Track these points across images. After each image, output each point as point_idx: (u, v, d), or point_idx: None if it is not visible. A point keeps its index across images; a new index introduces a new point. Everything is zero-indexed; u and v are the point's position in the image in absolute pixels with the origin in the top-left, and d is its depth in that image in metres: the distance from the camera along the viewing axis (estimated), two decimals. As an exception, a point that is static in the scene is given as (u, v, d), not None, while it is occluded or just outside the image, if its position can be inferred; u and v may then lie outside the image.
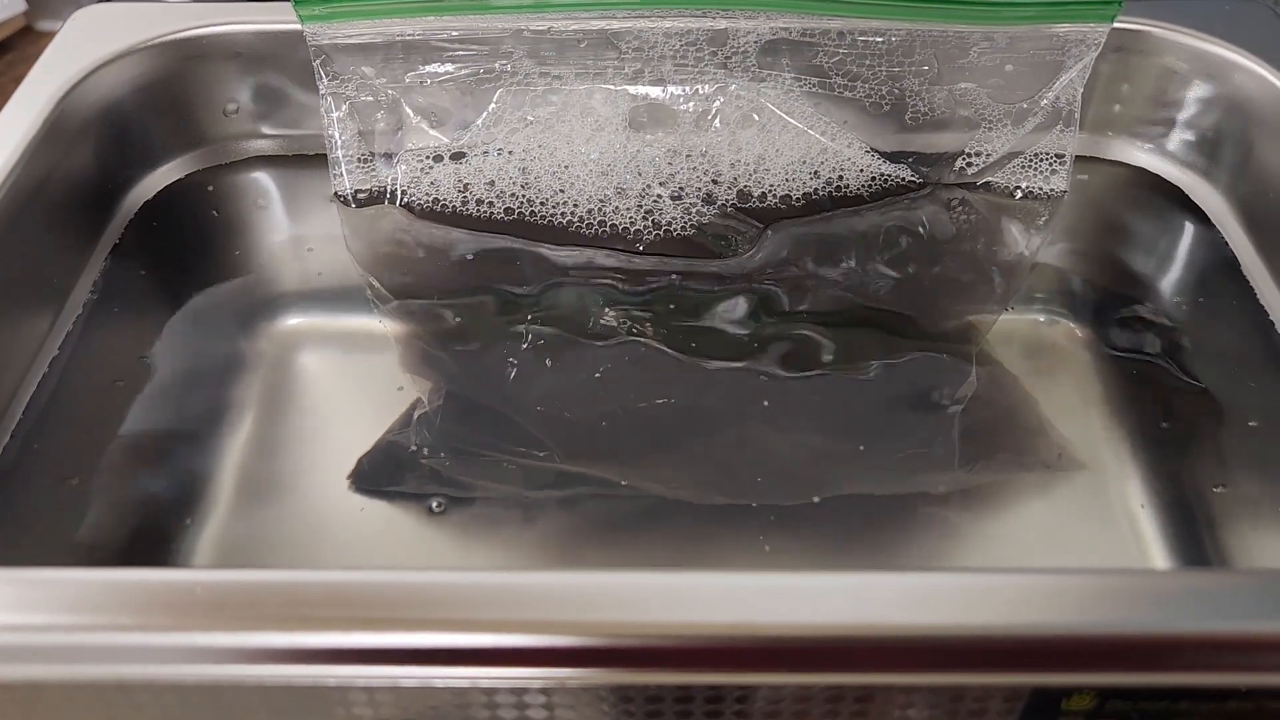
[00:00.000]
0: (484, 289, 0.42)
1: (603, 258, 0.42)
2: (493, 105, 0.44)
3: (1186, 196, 0.45)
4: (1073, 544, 0.34)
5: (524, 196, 0.44)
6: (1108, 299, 0.42)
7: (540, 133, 0.44)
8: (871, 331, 0.40)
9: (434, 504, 0.35)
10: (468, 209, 0.44)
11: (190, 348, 0.40)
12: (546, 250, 0.43)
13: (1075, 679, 0.25)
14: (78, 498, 0.35)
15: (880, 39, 0.42)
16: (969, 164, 0.45)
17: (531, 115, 0.44)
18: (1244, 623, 0.25)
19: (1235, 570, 0.33)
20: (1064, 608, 0.25)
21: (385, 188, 0.44)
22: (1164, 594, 0.25)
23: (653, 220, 0.43)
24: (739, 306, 0.41)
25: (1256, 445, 0.36)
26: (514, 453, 0.36)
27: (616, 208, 0.43)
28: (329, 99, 0.43)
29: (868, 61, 0.43)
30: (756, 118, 0.44)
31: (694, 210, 0.43)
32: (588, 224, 0.43)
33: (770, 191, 0.44)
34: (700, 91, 0.44)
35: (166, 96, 0.45)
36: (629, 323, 0.40)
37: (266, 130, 0.47)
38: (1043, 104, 0.43)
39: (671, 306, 0.41)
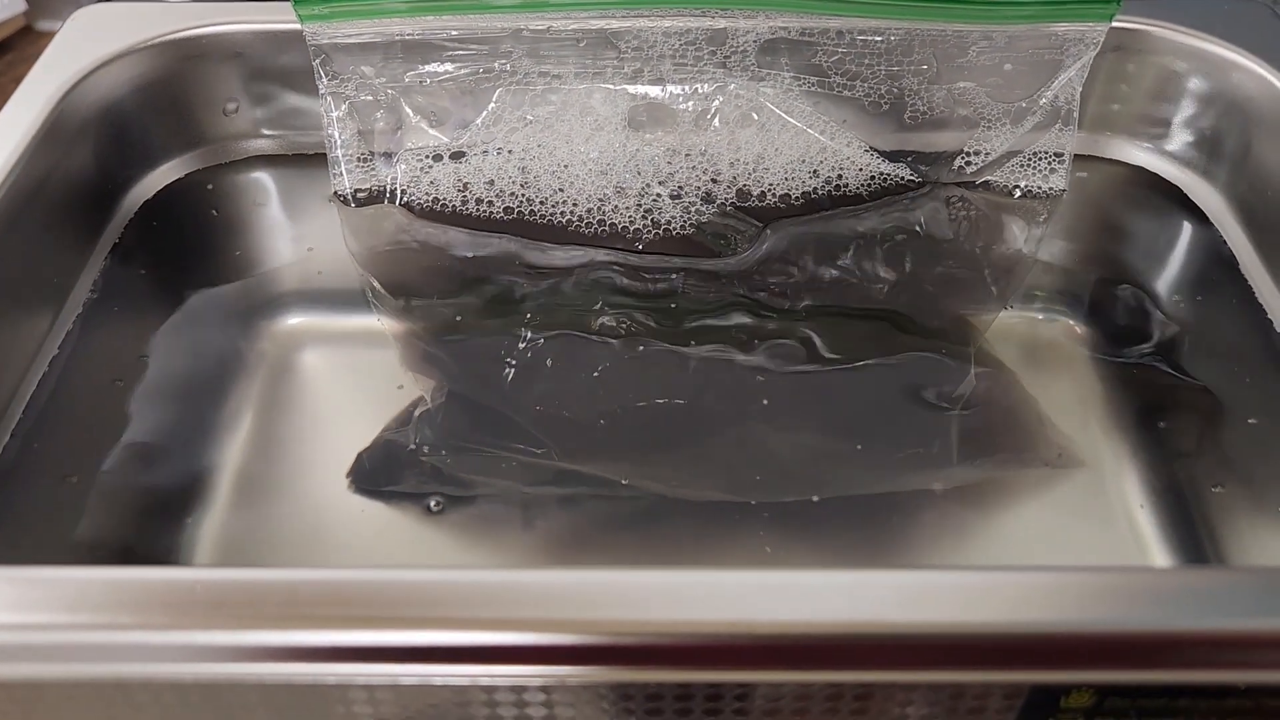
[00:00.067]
0: (483, 288, 0.42)
1: (602, 257, 0.42)
2: (492, 104, 0.44)
3: (1185, 195, 0.45)
4: (1072, 542, 0.34)
5: (523, 196, 0.44)
6: (1107, 297, 0.42)
7: (539, 132, 0.44)
8: (870, 330, 0.40)
9: (432, 503, 0.35)
10: (467, 208, 0.44)
11: (190, 347, 0.40)
12: (546, 249, 0.43)
13: (1074, 676, 0.25)
14: (78, 496, 0.35)
15: (879, 38, 0.42)
16: (968, 163, 0.45)
17: (531, 114, 0.44)
18: (1242, 620, 0.25)
19: (1234, 568, 0.33)
20: (1063, 605, 0.25)
21: (385, 187, 0.44)
22: (1163, 592, 0.25)
23: (652, 219, 0.43)
24: (738, 305, 0.41)
25: (1255, 443, 0.36)
26: (514, 451, 0.36)
27: (616, 207, 0.43)
28: (329, 98, 0.43)
29: (867, 61, 0.43)
30: (756, 117, 0.44)
31: (693, 209, 0.43)
32: (587, 223, 0.43)
33: (769, 190, 0.44)
34: (699, 91, 0.44)
35: (166, 96, 0.45)
36: (628, 322, 0.40)
37: (266, 130, 0.47)
38: (1041, 103, 0.43)
39: (671, 305, 0.41)
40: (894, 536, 0.34)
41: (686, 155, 0.44)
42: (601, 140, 0.44)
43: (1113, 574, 0.26)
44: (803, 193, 0.44)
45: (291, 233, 0.45)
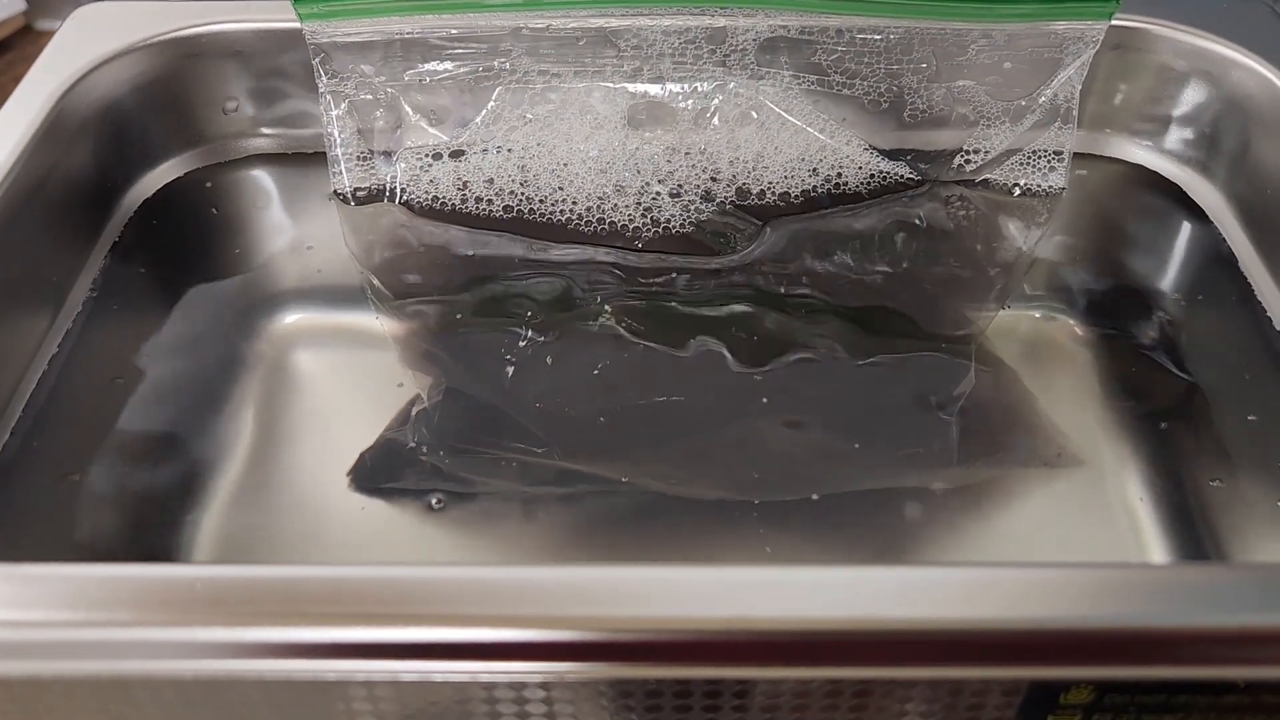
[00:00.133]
0: (483, 286, 0.42)
1: (602, 255, 0.42)
2: (491, 103, 0.44)
3: (1184, 193, 0.45)
4: (1071, 538, 0.34)
5: (523, 194, 0.44)
6: (1106, 295, 0.42)
7: (539, 130, 0.44)
8: (870, 328, 0.40)
9: (434, 500, 0.35)
10: (467, 207, 0.44)
11: (190, 345, 0.40)
12: (546, 248, 0.43)
13: (1073, 673, 0.25)
14: (77, 494, 0.35)
15: (879, 36, 0.42)
16: (967, 161, 0.45)
17: (530, 113, 0.44)
18: (1242, 616, 0.25)
19: (1233, 564, 0.33)
20: (1062, 602, 0.25)
21: (384, 185, 0.44)
22: (1162, 588, 0.25)
23: (651, 218, 0.43)
24: (738, 304, 0.41)
25: (1254, 440, 0.36)
26: (513, 449, 0.36)
27: (615, 205, 0.43)
28: (328, 97, 0.43)
29: (866, 59, 0.43)
30: (755, 115, 0.44)
31: (693, 208, 0.43)
32: (586, 221, 0.43)
33: (769, 189, 0.44)
34: (699, 89, 0.44)
35: (166, 95, 0.45)
36: (627, 320, 0.40)
37: (266, 128, 0.47)
38: (1041, 101, 0.43)
39: (671, 304, 0.41)
40: (893, 534, 0.34)
41: (686, 154, 0.44)
42: (601, 139, 0.44)
43: (1112, 570, 0.26)
44: (802, 191, 0.44)
45: (291, 231, 0.45)
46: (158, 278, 0.43)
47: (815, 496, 0.35)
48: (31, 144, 0.39)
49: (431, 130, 0.44)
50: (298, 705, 0.26)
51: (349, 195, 0.44)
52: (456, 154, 0.44)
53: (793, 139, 0.44)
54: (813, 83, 0.44)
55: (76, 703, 0.27)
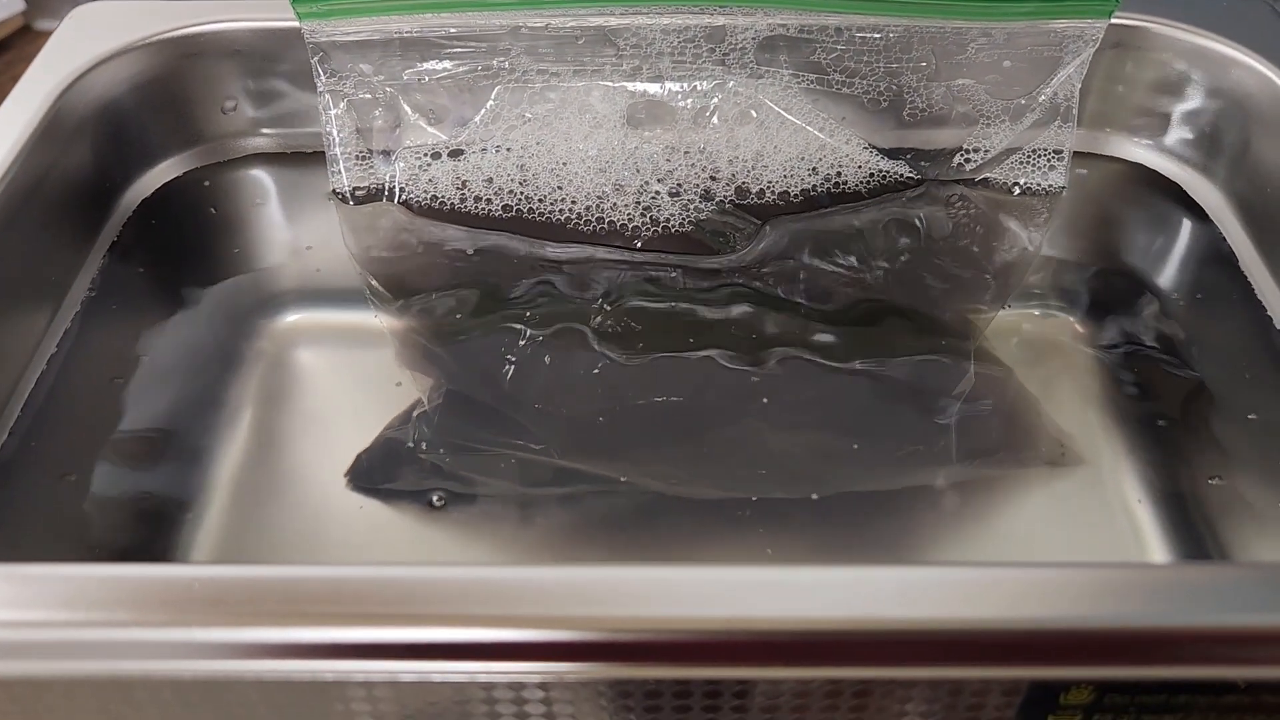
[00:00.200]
0: (482, 286, 0.42)
1: (601, 254, 0.42)
2: (491, 102, 0.44)
3: (1184, 192, 0.45)
4: (1071, 538, 0.34)
5: (522, 194, 0.44)
6: (1106, 294, 0.42)
7: (538, 130, 0.44)
8: (870, 328, 0.40)
9: (435, 498, 0.35)
10: (466, 206, 0.44)
11: (188, 345, 0.40)
12: (545, 247, 0.43)
13: (1073, 673, 0.25)
14: (76, 494, 0.35)
15: (878, 35, 0.42)
16: (967, 160, 0.45)
17: (529, 112, 0.44)
18: (1242, 616, 0.25)
19: (1233, 564, 0.33)
20: (1062, 601, 0.25)
21: (383, 185, 0.44)
22: (1162, 588, 0.25)
23: (651, 217, 0.43)
24: (737, 303, 0.41)
25: (1254, 439, 0.36)
26: (512, 449, 0.36)
27: (614, 204, 0.43)
28: (327, 96, 0.43)
29: (865, 58, 0.43)
30: (754, 114, 0.44)
31: (692, 207, 0.43)
32: (586, 221, 0.43)
33: (768, 188, 0.44)
34: (698, 88, 0.44)
35: (164, 94, 0.45)
36: (627, 319, 0.40)
37: (264, 128, 0.47)
38: (1041, 100, 0.43)
39: (670, 303, 0.41)
40: (893, 534, 0.34)
41: (685, 153, 0.44)
42: (600, 138, 0.44)
43: (1112, 570, 0.26)
44: (801, 190, 0.44)
45: (290, 231, 0.45)
46: (156, 277, 0.43)
47: (815, 496, 0.35)
48: (30, 143, 0.39)
49: (430, 129, 0.44)
50: (296, 706, 0.26)
51: (348, 195, 0.44)
52: (455, 153, 0.44)
53: (792, 138, 0.44)
54: (812, 81, 0.44)
55: (75, 703, 0.26)
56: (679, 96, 0.44)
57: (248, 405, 0.38)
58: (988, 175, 0.45)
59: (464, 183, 0.44)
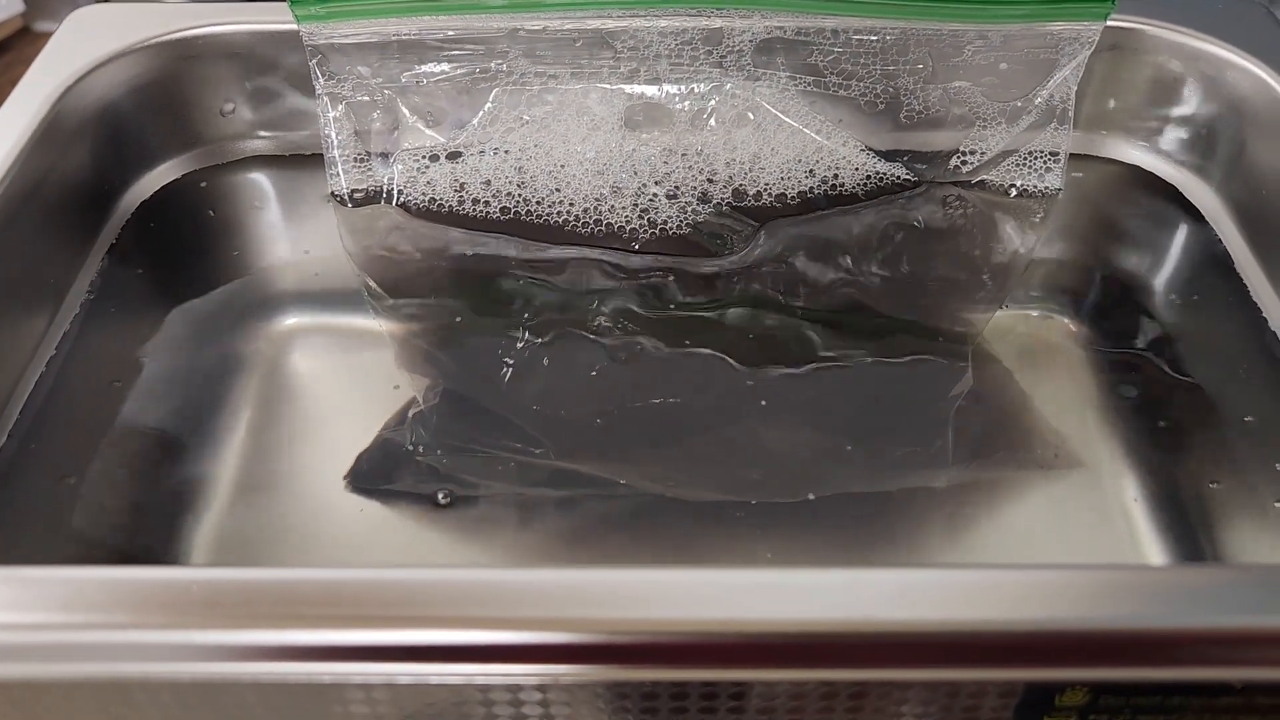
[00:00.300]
0: (480, 288, 0.42)
1: (599, 256, 0.42)
2: (489, 105, 0.44)
3: (1180, 194, 0.46)
4: (1067, 540, 0.34)
5: (520, 196, 0.44)
6: (1102, 296, 0.42)
7: (536, 132, 0.44)
8: (867, 329, 0.40)
9: (440, 496, 0.35)
10: (464, 208, 0.44)
11: (187, 347, 0.40)
12: (543, 249, 0.43)
13: (1069, 674, 0.25)
14: (75, 497, 0.35)
15: (875, 37, 0.42)
16: (964, 162, 0.45)
17: (527, 115, 0.44)
18: (1238, 618, 0.25)
19: (1230, 565, 0.33)
20: (1058, 603, 0.25)
21: (381, 187, 0.44)
22: (1158, 589, 0.25)
23: (648, 219, 0.43)
24: (734, 305, 0.41)
25: (1250, 441, 0.36)
26: (510, 451, 0.36)
27: (612, 207, 0.43)
28: (325, 99, 0.43)
29: (862, 60, 0.43)
30: (752, 116, 0.44)
31: (689, 209, 0.44)
32: (583, 223, 0.43)
33: (766, 190, 0.44)
34: (696, 90, 0.44)
35: (163, 97, 0.45)
36: (624, 321, 0.40)
37: (263, 130, 0.47)
38: (1037, 102, 0.43)
39: (668, 305, 0.41)
40: (889, 535, 0.35)
41: (683, 155, 0.44)
42: (598, 140, 0.44)
43: (1108, 572, 0.26)
44: (799, 192, 0.44)
45: (288, 233, 0.45)
46: (155, 279, 0.43)
47: (812, 498, 0.35)
48: (29, 146, 0.39)
49: (428, 132, 0.44)
50: (294, 708, 0.26)
51: (346, 197, 0.44)
52: (453, 155, 0.44)
53: (789, 140, 0.44)
54: (809, 84, 0.44)
55: (74, 705, 0.27)
56: (676, 99, 0.44)
57: (246, 407, 0.38)
58: (984, 177, 0.45)
59: (462, 185, 0.44)
